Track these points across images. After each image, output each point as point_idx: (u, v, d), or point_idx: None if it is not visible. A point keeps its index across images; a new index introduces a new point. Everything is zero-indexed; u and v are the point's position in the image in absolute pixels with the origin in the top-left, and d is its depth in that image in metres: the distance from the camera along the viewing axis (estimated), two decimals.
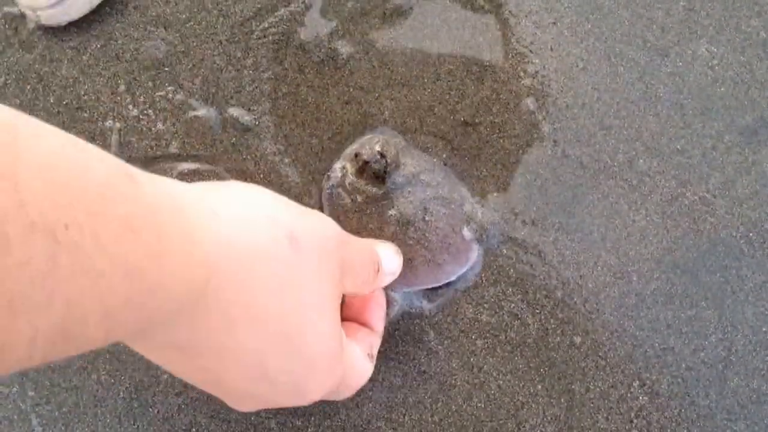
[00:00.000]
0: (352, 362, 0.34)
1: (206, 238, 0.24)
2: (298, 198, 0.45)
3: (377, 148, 0.43)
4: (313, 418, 0.44)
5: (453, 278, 0.44)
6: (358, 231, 0.44)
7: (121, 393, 0.44)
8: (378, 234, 0.44)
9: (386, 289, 0.44)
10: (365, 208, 0.44)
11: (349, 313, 0.39)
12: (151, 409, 0.43)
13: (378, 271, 0.36)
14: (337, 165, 0.44)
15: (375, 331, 0.39)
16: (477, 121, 0.45)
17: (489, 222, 0.45)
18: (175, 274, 0.22)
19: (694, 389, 0.44)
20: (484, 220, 0.45)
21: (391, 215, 0.44)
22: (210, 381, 0.29)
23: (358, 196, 0.44)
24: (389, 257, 0.38)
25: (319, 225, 0.31)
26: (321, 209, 0.44)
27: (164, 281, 0.22)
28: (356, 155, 0.44)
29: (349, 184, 0.44)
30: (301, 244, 0.28)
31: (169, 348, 0.27)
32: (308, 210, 0.31)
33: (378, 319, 0.39)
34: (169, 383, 0.44)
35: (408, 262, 0.44)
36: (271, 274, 0.27)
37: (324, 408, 0.44)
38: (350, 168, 0.44)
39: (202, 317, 0.25)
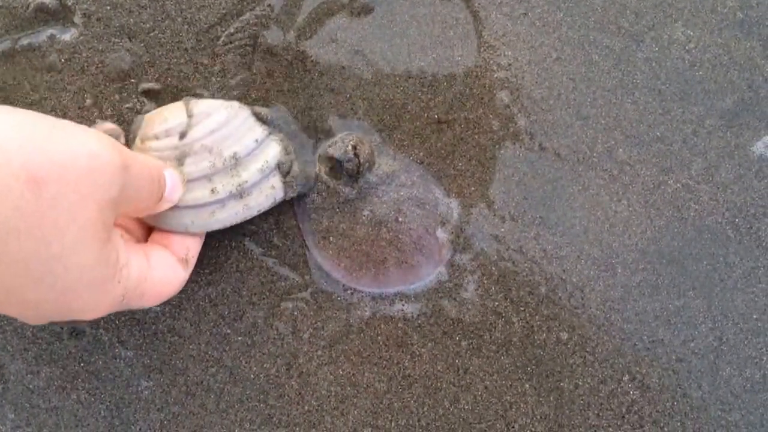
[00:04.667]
0: (152, 271, 0.35)
1: None
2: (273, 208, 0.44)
3: (350, 147, 0.42)
4: (298, 428, 0.43)
5: (426, 280, 0.43)
6: (329, 231, 0.43)
7: (102, 411, 0.43)
8: (350, 235, 0.43)
9: (358, 290, 0.43)
10: (338, 208, 0.43)
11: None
12: (133, 427, 0.43)
13: (161, 198, 0.35)
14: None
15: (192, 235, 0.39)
16: (451, 117, 0.45)
17: (465, 222, 0.44)
18: None
19: (686, 381, 0.43)
20: (459, 220, 0.44)
21: (364, 216, 0.43)
22: None
23: (330, 196, 0.43)
24: (174, 186, 0.37)
25: (82, 157, 0.28)
26: (294, 208, 0.44)
27: None
28: (330, 154, 0.43)
29: (321, 183, 0.43)
30: (45, 186, 0.26)
31: None
32: (75, 134, 0.28)
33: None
34: (150, 399, 0.43)
35: (380, 264, 0.43)
36: (15, 219, 0.26)
37: (309, 417, 0.43)
38: (323, 167, 0.43)
39: None
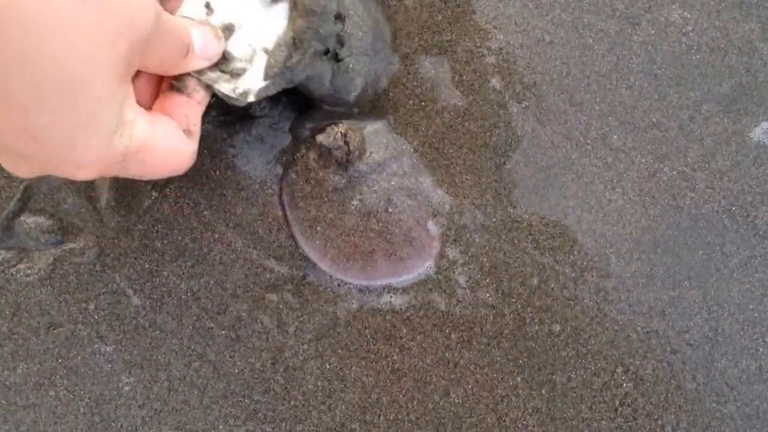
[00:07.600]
0: (156, 139, 0.33)
1: None
2: (257, 193, 0.43)
3: (340, 134, 0.41)
4: (284, 424, 0.42)
5: (416, 273, 0.42)
6: (317, 220, 0.42)
7: (81, 408, 0.42)
8: (338, 225, 0.41)
9: (345, 282, 0.42)
10: (326, 196, 0.42)
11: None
12: (113, 424, 0.42)
13: (187, 54, 0.34)
14: (300, 151, 0.42)
15: (191, 100, 0.37)
16: (441, 105, 0.43)
17: (456, 212, 0.43)
18: None
19: (680, 373, 0.42)
20: (450, 211, 0.43)
21: (353, 205, 0.42)
22: None
23: (318, 184, 0.42)
24: (204, 40, 0.35)
25: None
26: (280, 196, 0.42)
27: None
28: (319, 141, 0.41)
29: (310, 170, 0.42)
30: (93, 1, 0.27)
31: None
32: None
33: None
34: (131, 396, 0.42)
35: (369, 255, 0.42)
36: (53, 19, 0.25)
37: (295, 412, 0.42)
38: (312, 154, 0.42)
39: None
